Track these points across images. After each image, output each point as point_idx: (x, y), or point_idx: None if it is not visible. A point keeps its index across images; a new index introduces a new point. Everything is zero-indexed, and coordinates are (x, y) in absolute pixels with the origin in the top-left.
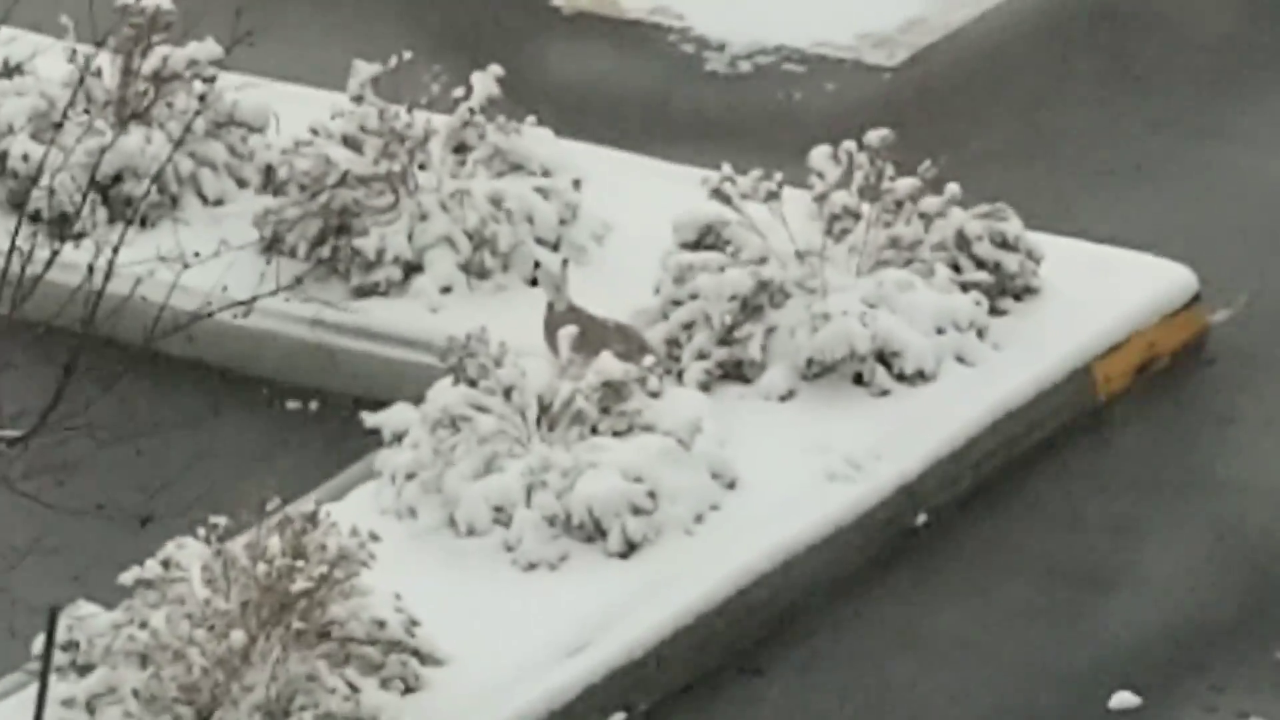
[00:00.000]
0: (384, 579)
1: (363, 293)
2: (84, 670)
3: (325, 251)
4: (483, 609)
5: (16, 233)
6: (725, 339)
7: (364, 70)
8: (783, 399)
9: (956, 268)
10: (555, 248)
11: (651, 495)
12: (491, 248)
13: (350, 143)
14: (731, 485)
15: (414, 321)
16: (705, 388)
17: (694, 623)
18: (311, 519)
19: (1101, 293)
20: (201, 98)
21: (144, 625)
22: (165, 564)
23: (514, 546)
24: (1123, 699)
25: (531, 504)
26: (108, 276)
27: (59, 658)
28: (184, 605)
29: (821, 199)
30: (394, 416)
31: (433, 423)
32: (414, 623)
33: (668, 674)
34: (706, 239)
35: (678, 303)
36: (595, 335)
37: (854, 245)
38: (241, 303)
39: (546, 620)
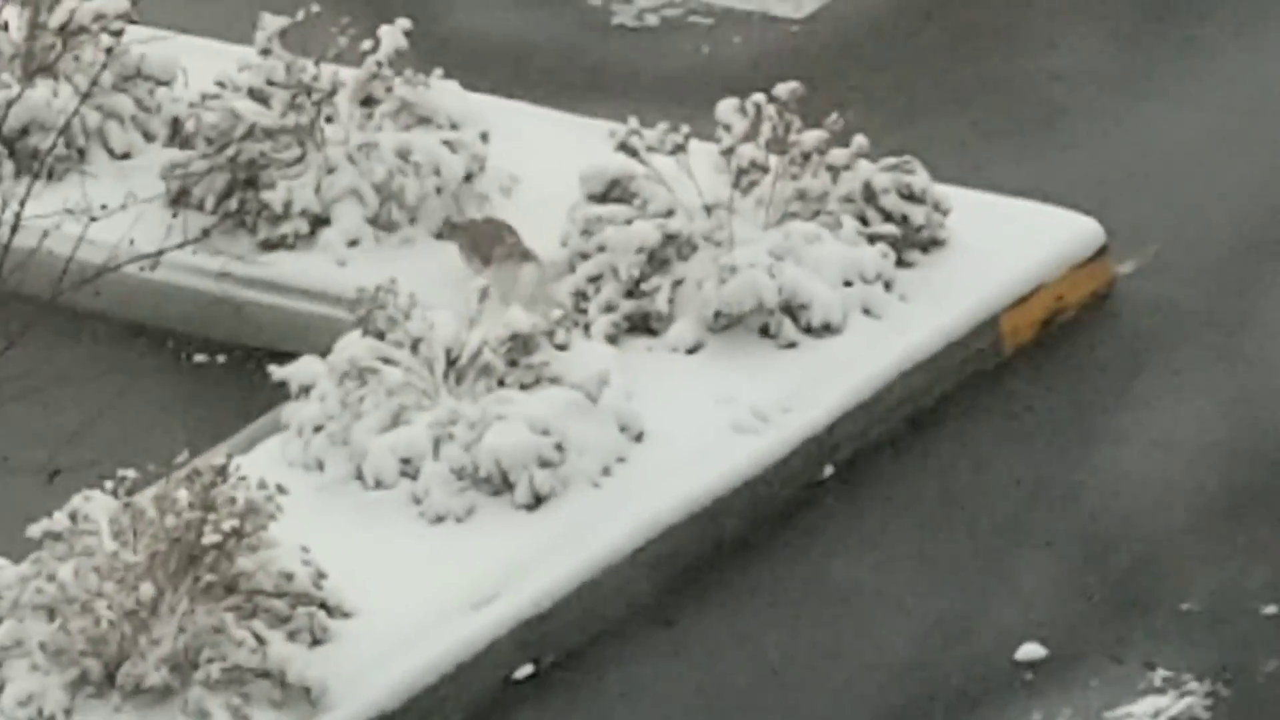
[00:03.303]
0: (292, 531)
1: (270, 246)
2: None
3: (232, 205)
4: (390, 561)
5: None
6: (632, 291)
7: (271, 23)
8: (690, 351)
9: (864, 220)
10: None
11: (559, 448)
12: (399, 200)
13: (257, 96)
14: (639, 438)
15: (321, 274)
16: (613, 340)
17: (601, 575)
18: (220, 472)
19: (1008, 245)
20: (108, 51)
21: (51, 578)
22: (73, 517)
23: (421, 499)
24: (1029, 650)
25: (439, 456)
26: (14, 229)
27: None
28: (92, 558)
29: (729, 152)
30: (301, 369)
31: (340, 375)
32: (321, 575)
33: (575, 626)
34: (614, 192)
35: (585, 255)
36: (488, 230)
37: (761, 198)
38: (149, 256)
39: (454, 572)
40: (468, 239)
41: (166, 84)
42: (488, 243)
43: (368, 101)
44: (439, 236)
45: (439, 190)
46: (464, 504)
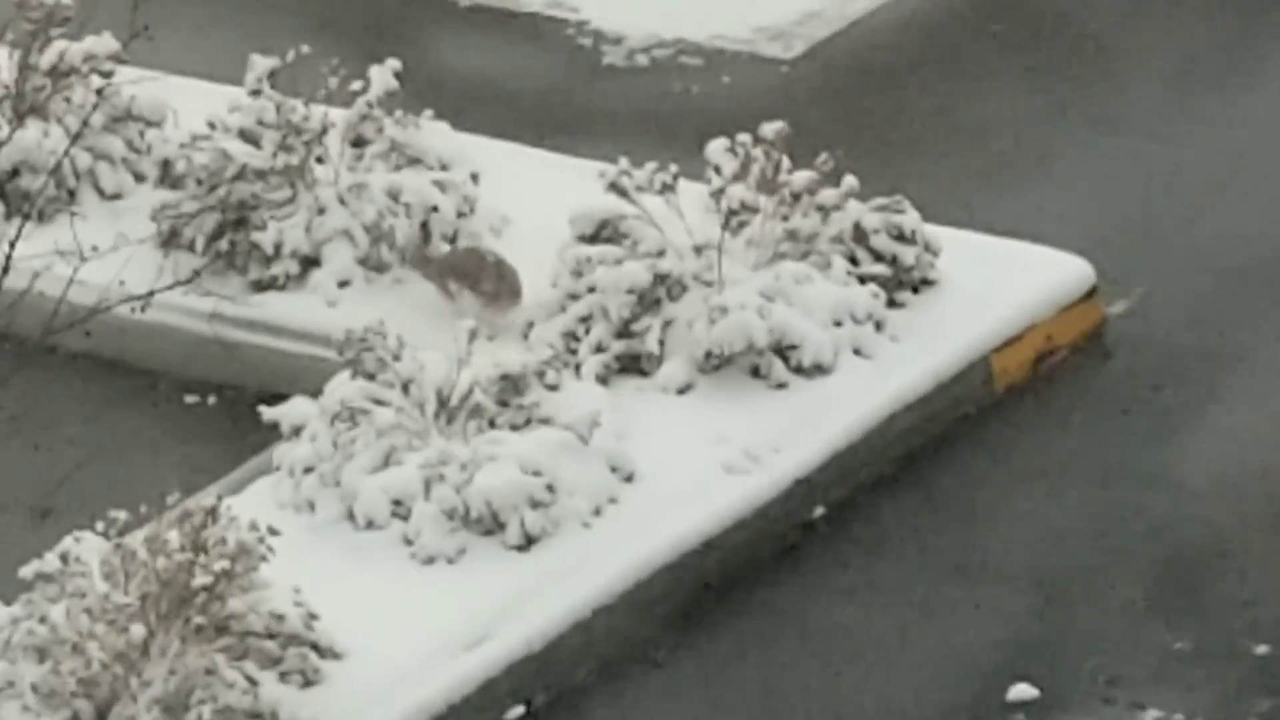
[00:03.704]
0: (283, 572)
1: (260, 287)
2: None
3: (223, 245)
4: (381, 602)
5: None
6: (623, 332)
7: (261, 64)
8: (680, 392)
9: (854, 260)
10: (453, 241)
11: (550, 488)
12: (389, 241)
13: (248, 136)
14: (629, 478)
15: (312, 315)
16: (603, 381)
17: (592, 616)
18: (211, 513)
19: (999, 285)
20: (99, 92)
21: (43, 619)
22: (64, 558)
23: (412, 539)
24: (1020, 691)
25: (430, 497)
26: (5, 271)
27: None
28: (83, 599)
29: (719, 192)
30: (292, 410)
31: (331, 416)
32: (313, 616)
33: (566, 667)
34: (604, 232)
35: (575, 296)
36: (468, 262)
37: (751, 238)
38: (139, 297)
39: (445, 613)
40: (446, 269)
41: (157, 125)
42: (474, 269)
43: (358, 142)
44: (413, 263)
45: (420, 224)
46: (455, 545)
